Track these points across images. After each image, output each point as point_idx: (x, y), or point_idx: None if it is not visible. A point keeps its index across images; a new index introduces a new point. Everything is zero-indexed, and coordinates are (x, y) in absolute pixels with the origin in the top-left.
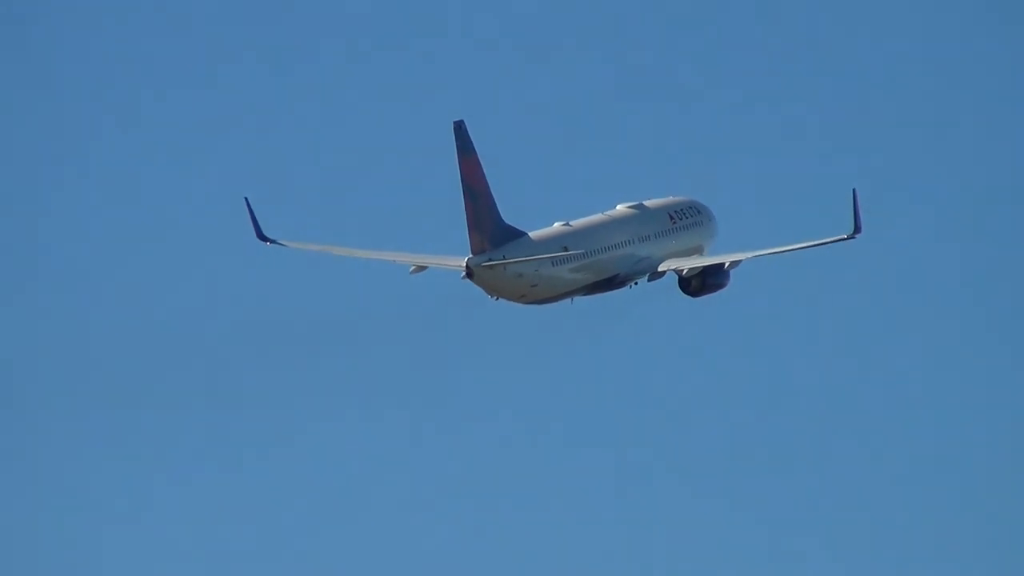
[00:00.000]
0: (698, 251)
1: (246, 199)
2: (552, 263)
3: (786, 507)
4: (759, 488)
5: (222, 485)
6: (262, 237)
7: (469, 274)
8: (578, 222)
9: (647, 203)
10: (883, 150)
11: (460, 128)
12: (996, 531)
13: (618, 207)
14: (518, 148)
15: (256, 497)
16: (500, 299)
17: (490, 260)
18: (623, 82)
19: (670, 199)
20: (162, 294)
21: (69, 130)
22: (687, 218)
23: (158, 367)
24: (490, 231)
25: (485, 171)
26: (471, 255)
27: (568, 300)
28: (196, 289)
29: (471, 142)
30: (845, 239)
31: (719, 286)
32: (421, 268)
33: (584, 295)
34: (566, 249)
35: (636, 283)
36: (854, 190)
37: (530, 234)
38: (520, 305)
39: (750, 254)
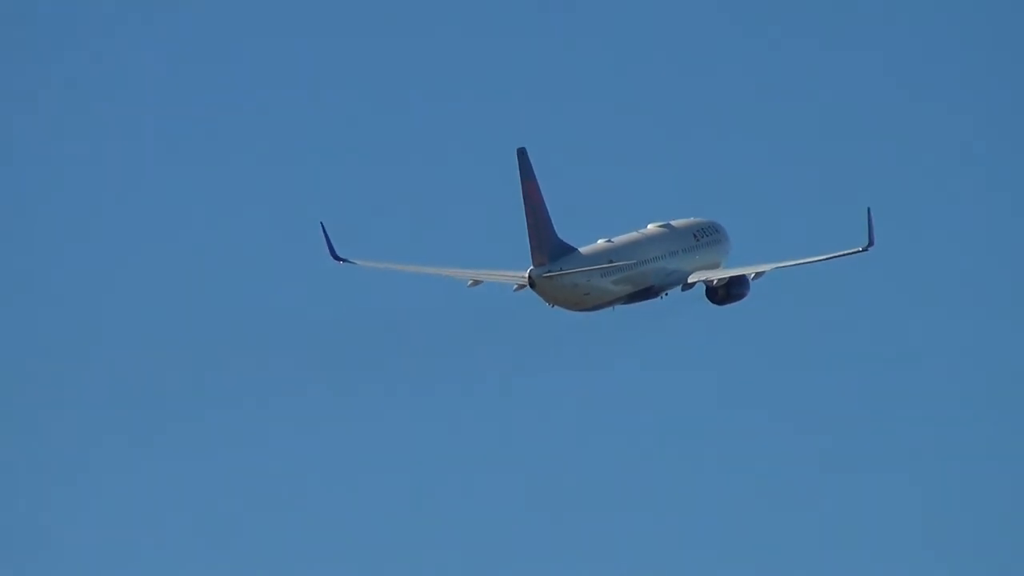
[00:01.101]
0: (716, 266)
1: (321, 224)
2: (601, 274)
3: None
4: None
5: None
6: (336, 257)
7: (531, 284)
8: (618, 239)
9: (674, 223)
10: (895, 164)
11: (523, 154)
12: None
13: (649, 226)
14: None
15: (326, 495)
16: (556, 307)
17: (550, 272)
18: (637, 100)
19: (693, 220)
20: (244, 307)
21: (150, 160)
22: (708, 236)
23: (241, 370)
24: (548, 246)
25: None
26: (532, 267)
27: (611, 308)
28: (279, 302)
29: (531, 167)
30: (859, 252)
31: (741, 295)
32: (477, 282)
33: (624, 304)
34: (611, 262)
35: (667, 294)
36: (868, 208)
37: (580, 249)
38: (572, 312)
39: (772, 265)
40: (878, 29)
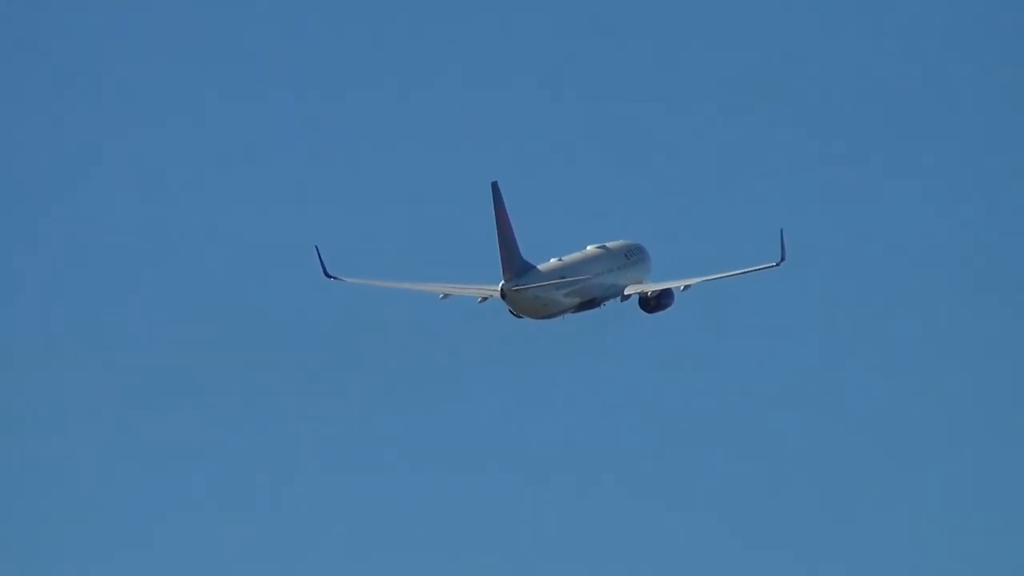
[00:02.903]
0: (641, 282)
1: (316, 247)
2: (556, 288)
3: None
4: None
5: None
6: (327, 275)
7: (503, 296)
8: (567, 258)
9: (609, 245)
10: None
11: (495, 187)
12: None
13: (588, 248)
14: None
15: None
16: (523, 316)
17: (518, 286)
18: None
19: (623, 242)
20: (244, 318)
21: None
22: (635, 256)
23: (233, 373)
24: (515, 264)
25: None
26: (504, 282)
27: (562, 317)
28: (275, 316)
29: (502, 196)
30: (772, 267)
31: (668, 305)
32: (448, 295)
33: (572, 312)
34: (563, 277)
35: (605, 304)
36: (781, 229)
37: (538, 267)
38: (533, 320)
39: (698, 279)
40: (794, 47)
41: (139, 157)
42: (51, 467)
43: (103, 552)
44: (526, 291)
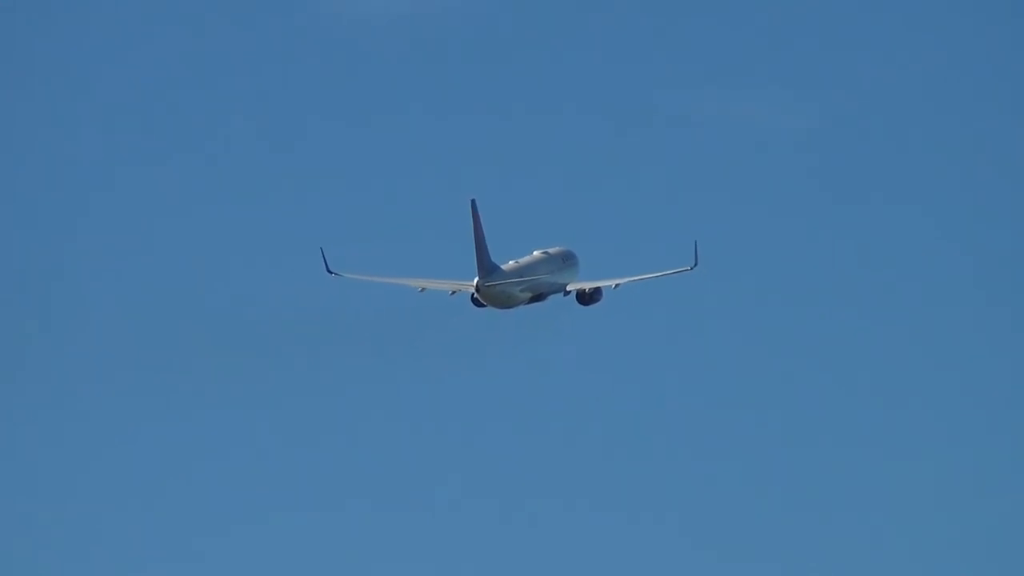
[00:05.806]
0: (572, 281)
1: (321, 249)
2: (517, 284)
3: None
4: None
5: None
6: (329, 271)
7: (478, 289)
8: (521, 260)
9: (549, 250)
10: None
11: (473, 203)
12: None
13: (534, 252)
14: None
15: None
16: (488, 307)
17: (489, 283)
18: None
19: (559, 248)
20: (254, 310)
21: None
22: (569, 260)
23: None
24: (487, 264)
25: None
26: (478, 279)
27: (516, 308)
28: (278, 307)
29: (478, 210)
30: (687, 271)
31: (598, 300)
32: (425, 288)
33: (525, 305)
34: (522, 276)
35: (549, 298)
36: (695, 241)
37: (502, 267)
38: (493, 309)
39: (625, 279)
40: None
41: (143, 159)
42: (46, 465)
43: (93, 552)
44: (496, 286)
